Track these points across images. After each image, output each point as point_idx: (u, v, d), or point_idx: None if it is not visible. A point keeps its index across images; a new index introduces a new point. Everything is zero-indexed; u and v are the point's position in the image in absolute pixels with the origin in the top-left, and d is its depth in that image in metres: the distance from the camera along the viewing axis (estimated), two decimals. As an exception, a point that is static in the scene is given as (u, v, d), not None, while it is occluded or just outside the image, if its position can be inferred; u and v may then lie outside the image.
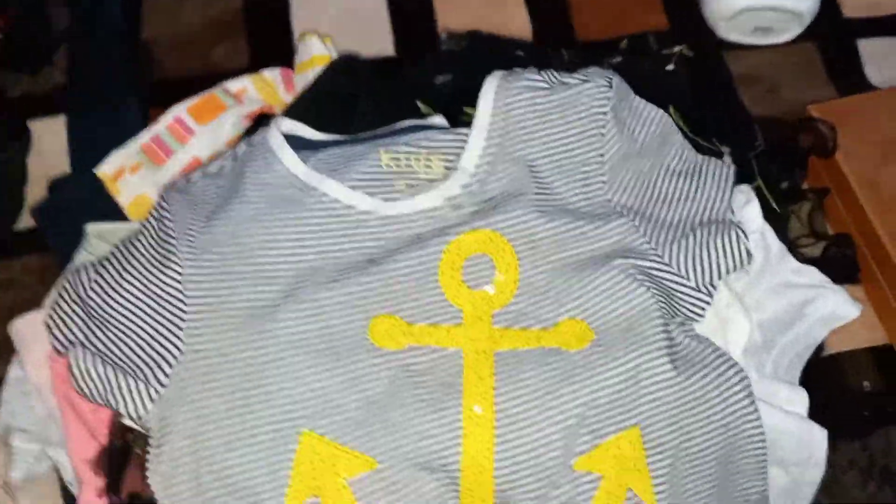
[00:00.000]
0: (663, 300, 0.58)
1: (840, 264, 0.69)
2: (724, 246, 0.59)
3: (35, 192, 0.70)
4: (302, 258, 0.57)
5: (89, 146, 0.68)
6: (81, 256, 0.63)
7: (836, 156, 0.70)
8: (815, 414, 0.62)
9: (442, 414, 0.54)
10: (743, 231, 0.60)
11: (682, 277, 0.58)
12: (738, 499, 0.58)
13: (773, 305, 0.63)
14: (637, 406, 0.56)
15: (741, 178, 0.66)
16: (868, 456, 1.49)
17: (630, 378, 0.56)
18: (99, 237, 0.63)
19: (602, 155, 0.61)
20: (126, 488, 0.57)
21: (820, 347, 0.67)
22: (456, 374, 0.55)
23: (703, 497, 0.56)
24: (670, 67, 0.74)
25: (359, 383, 0.55)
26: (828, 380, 0.68)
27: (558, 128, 0.61)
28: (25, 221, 0.70)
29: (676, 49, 0.74)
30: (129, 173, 0.65)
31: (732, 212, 0.62)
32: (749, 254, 0.59)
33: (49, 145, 0.71)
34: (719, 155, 0.66)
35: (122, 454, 0.57)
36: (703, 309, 0.59)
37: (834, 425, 0.62)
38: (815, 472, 0.63)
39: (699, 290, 0.58)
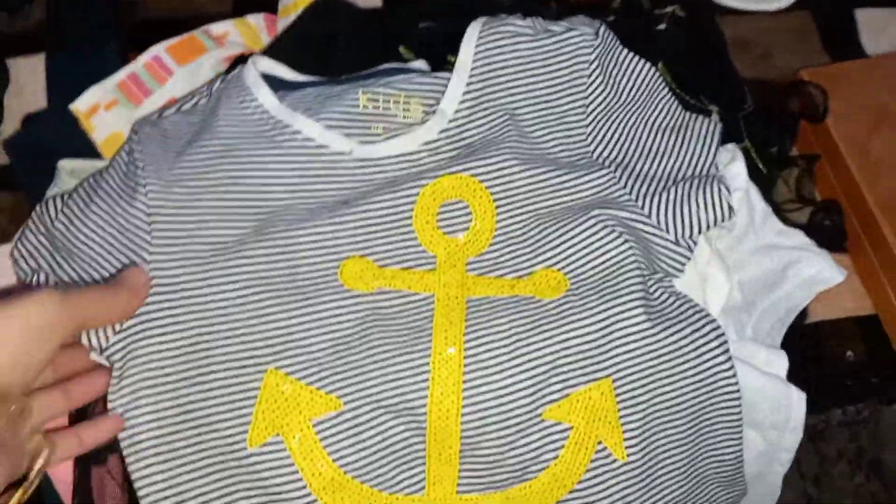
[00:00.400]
0: (641, 253, 0.57)
1: (827, 231, 0.68)
2: (705, 200, 0.57)
3: (11, 130, 0.69)
4: (272, 196, 0.56)
5: (67, 84, 0.67)
6: (53, 192, 0.62)
7: (826, 121, 0.69)
8: (795, 380, 0.61)
9: (410, 357, 0.53)
10: (726, 186, 0.59)
11: (662, 230, 0.57)
12: (710, 460, 0.57)
13: (755, 266, 0.62)
14: (610, 357, 0.54)
15: (729, 138, 0.65)
16: (857, 447, 1.49)
17: (603, 329, 0.55)
18: (71, 174, 0.62)
19: (585, 105, 0.60)
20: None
21: (803, 315, 0.66)
22: (426, 319, 0.54)
23: (675, 454, 0.55)
24: (662, 27, 0.72)
25: (326, 324, 0.54)
26: (810, 347, 0.67)
27: (541, 76, 0.60)
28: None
29: (669, 9, 0.73)
30: (104, 110, 0.64)
31: (717, 169, 0.61)
32: (731, 209, 0.58)
33: (28, 84, 0.70)
34: (707, 113, 0.65)
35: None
36: (682, 264, 0.58)
37: (814, 392, 0.61)
38: (793, 437, 0.61)
39: (678, 244, 0.57)
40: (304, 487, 0.51)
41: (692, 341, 0.56)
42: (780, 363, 0.60)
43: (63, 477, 0.56)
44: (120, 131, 0.64)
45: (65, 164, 0.62)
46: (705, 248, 0.60)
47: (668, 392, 0.55)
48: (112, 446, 0.54)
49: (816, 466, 1.34)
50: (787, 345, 0.63)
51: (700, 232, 0.57)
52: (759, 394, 0.59)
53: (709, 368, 0.56)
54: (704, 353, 0.56)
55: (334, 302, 0.54)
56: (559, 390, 0.53)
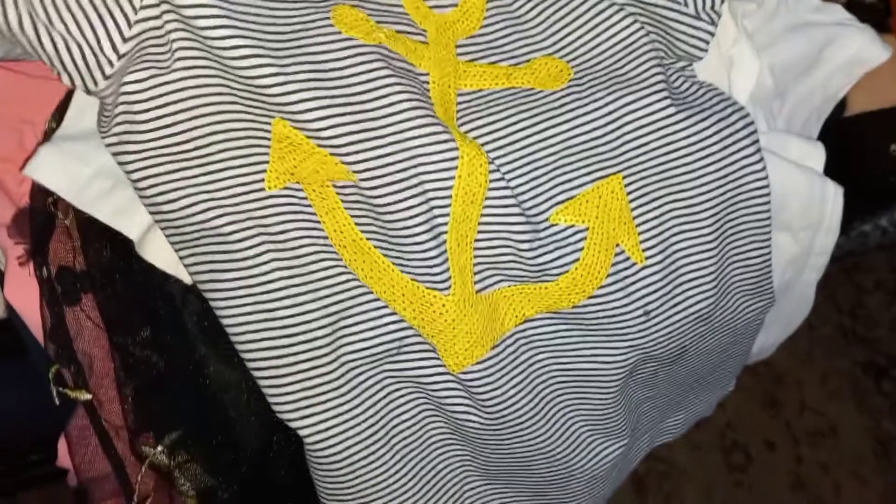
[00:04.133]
0: (658, 34, 0.49)
1: (869, 9, 0.60)
2: None
3: None
4: None
5: None
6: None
7: None
8: (833, 178, 0.55)
9: (434, 131, 0.45)
10: None
11: (679, 3, 0.49)
12: (736, 264, 0.52)
13: (788, 46, 0.55)
14: (619, 153, 0.48)
15: None
16: (895, 276, 1.43)
17: (612, 122, 0.48)
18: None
19: None
20: (54, 261, 0.52)
21: (841, 107, 0.59)
22: (430, 102, 0.47)
23: (698, 257, 0.50)
24: None
25: (332, 68, 0.45)
26: (849, 142, 0.60)
27: None
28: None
29: None
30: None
31: None
32: None
33: None
34: None
35: (45, 220, 0.51)
36: (706, 42, 0.50)
37: (854, 193, 0.55)
38: (828, 239, 0.56)
39: (699, 18, 0.49)
40: (325, 239, 0.45)
41: (716, 132, 0.49)
42: (817, 154, 0.54)
43: (35, 320, 0.52)
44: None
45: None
46: (731, 27, 0.53)
47: (687, 189, 0.49)
48: (83, 286, 0.50)
49: (853, 298, 1.30)
50: (823, 140, 0.56)
51: (722, 1, 0.49)
52: (791, 190, 0.53)
53: (735, 162, 0.50)
54: (730, 146, 0.49)
55: (336, 45, 0.45)
56: (565, 191, 0.48)
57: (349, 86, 0.45)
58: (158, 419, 0.51)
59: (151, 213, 0.47)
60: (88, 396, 0.51)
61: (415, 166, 0.44)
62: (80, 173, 0.49)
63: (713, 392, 0.61)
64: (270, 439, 0.51)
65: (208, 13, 0.43)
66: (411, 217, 0.44)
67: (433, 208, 0.45)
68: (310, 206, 0.45)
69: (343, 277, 0.46)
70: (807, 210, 0.54)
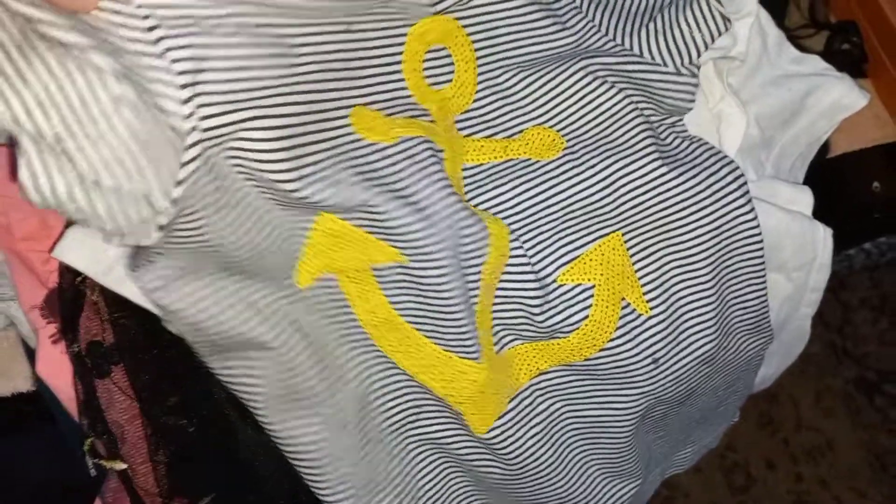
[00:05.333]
0: (643, 97, 0.52)
1: (845, 55, 0.63)
2: (695, 17, 0.52)
3: None
4: None
5: None
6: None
7: (839, -67, 0.63)
8: (821, 216, 0.58)
9: (467, 213, 0.47)
10: None
11: (659, 65, 0.52)
12: (736, 307, 0.55)
13: (772, 98, 0.58)
14: (618, 213, 0.51)
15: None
16: (879, 294, 1.47)
17: (608, 185, 0.51)
18: None
19: None
20: (84, 337, 0.54)
21: (825, 148, 0.62)
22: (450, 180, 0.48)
23: (699, 304, 0.53)
24: None
25: (368, 176, 0.46)
26: (834, 181, 0.63)
27: None
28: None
29: None
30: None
31: None
32: (725, 19, 0.52)
33: None
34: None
35: (74, 298, 0.53)
36: (690, 94, 0.53)
37: (841, 229, 0.58)
38: (820, 276, 0.59)
39: (680, 74, 0.52)
40: (353, 321, 0.48)
41: (708, 186, 0.52)
42: (805, 200, 0.57)
43: (67, 393, 0.54)
44: None
45: None
46: (718, 85, 0.56)
47: (684, 241, 0.52)
48: (113, 358, 0.52)
49: (840, 316, 1.33)
50: (810, 181, 0.59)
51: (699, 54, 0.52)
52: (783, 234, 0.56)
53: (727, 213, 0.52)
54: (722, 199, 0.52)
55: (366, 158, 0.46)
56: (570, 251, 0.50)
57: (396, 182, 0.46)
58: (191, 484, 0.53)
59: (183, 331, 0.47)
60: (123, 466, 0.53)
61: (457, 245, 0.47)
62: (106, 254, 0.51)
63: (719, 424, 0.64)
64: (301, 499, 0.53)
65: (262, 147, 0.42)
66: (452, 294, 0.46)
67: (468, 282, 0.47)
68: (340, 292, 0.47)
69: (366, 356, 0.48)
70: (799, 252, 0.57)
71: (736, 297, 0.54)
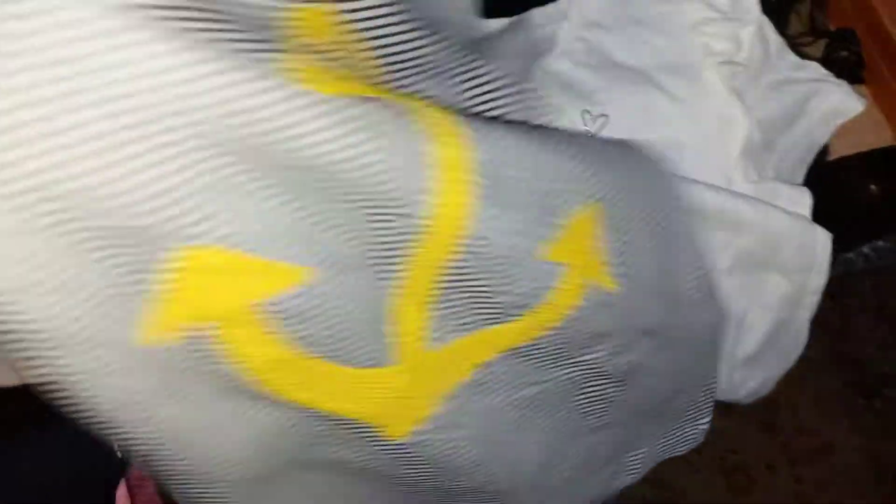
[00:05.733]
0: None
1: (844, 62, 0.65)
2: None
3: None
4: None
5: None
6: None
7: (838, -57, 0.65)
8: (820, 219, 0.59)
9: None
10: None
11: None
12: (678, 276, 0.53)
13: (773, 103, 0.60)
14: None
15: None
16: (879, 298, 1.48)
17: None
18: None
19: None
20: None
21: (824, 152, 0.64)
22: None
23: (646, 263, 0.50)
24: None
25: None
26: (833, 184, 0.64)
27: None
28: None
29: None
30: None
31: None
32: None
33: None
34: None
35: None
36: None
37: (839, 231, 0.59)
38: (818, 279, 0.60)
39: None
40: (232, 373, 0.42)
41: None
42: (804, 201, 0.58)
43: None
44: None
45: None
46: (722, 89, 0.57)
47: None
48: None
49: (839, 319, 1.34)
50: (809, 183, 0.61)
51: None
52: (784, 236, 0.57)
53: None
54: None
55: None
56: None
57: None
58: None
59: None
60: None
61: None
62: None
63: (675, 425, 0.62)
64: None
65: None
66: (358, 309, 0.43)
67: (379, 280, 0.43)
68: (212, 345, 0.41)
69: (257, 406, 0.44)
70: (799, 254, 0.58)
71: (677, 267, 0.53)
